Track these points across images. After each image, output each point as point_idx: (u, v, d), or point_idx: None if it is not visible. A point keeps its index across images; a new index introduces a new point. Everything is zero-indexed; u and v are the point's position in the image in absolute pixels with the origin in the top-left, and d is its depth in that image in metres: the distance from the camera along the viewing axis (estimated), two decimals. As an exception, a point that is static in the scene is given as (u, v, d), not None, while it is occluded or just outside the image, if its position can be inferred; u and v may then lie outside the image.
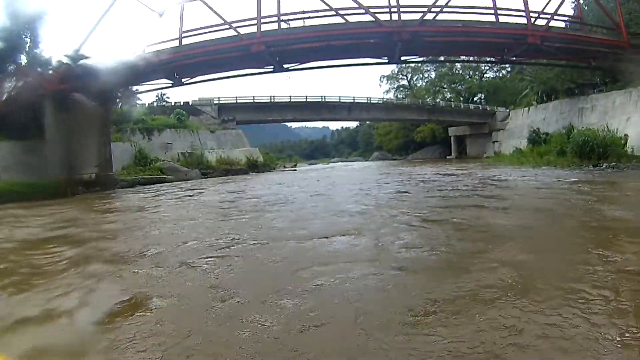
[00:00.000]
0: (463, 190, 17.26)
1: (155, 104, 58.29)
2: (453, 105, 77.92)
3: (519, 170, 27.70)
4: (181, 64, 28.70)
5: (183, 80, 32.08)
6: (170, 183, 33.99)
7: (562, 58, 34.30)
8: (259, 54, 27.67)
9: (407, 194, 17.36)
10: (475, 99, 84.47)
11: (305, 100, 66.70)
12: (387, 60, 32.05)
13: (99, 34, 33.85)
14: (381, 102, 76.32)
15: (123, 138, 40.05)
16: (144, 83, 32.53)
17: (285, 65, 31.02)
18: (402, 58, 32.53)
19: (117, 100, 35.41)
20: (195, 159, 44.60)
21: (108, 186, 29.61)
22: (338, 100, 69.25)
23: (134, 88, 34.86)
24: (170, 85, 32.43)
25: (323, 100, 68.22)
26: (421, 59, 34.66)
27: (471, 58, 36.07)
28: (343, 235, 8.91)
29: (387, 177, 28.93)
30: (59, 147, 27.60)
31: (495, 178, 22.62)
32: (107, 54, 28.98)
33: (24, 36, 36.31)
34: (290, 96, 65.91)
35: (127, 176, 33.89)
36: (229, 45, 27.51)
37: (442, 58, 37.38)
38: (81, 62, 28.07)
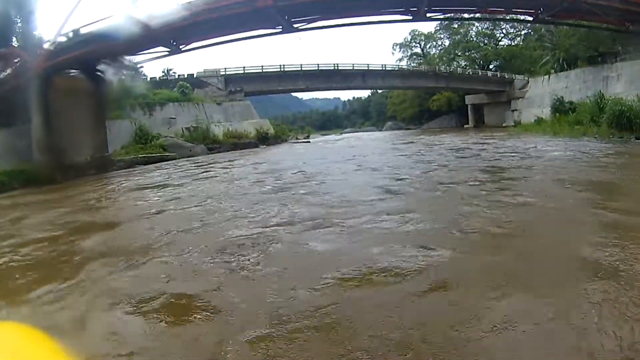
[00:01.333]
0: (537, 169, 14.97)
1: (158, 79, 54.74)
2: (471, 73, 75.25)
3: (558, 140, 26.40)
4: (179, 25, 25.61)
5: (181, 47, 28.91)
6: (172, 161, 31.81)
7: (598, 20, 31.04)
8: (265, 9, 25.06)
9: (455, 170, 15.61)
10: (490, 67, 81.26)
11: (317, 68, 63.55)
12: (410, 17, 28.58)
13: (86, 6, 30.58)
14: (397, 69, 74.01)
15: (123, 115, 37.52)
16: (139, 52, 29.38)
17: (295, 25, 28.32)
18: (427, 15, 28.85)
19: (112, 73, 32.20)
20: (200, 134, 42.23)
21: (104, 168, 27.16)
22: (352, 67, 66.01)
23: (129, 59, 31.75)
24: (168, 53, 29.30)
25: (336, 68, 64.72)
26: (446, 16, 29.96)
27: (503, 16, 31.58)
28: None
29: (415, 147, 28.37)
30: (46, 129, 25.06)
31: (546, 150, 20.89)
32: (95, 22, 26.50)
33: (14, 17, 33.32)
34: (301, 64, 62.81)
35: (125, 156, 31.32)
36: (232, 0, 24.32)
37: (469, 16, 32.57)
38: (67, 33, 26.06)
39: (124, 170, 26.88)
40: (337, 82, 66.00)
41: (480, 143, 27.10)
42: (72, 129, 26.32)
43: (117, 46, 25.29)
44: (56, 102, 25.44)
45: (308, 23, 28.43)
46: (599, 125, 28.25)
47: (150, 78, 52.55)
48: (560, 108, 39.69)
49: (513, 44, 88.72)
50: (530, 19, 32.22)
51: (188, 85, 49.69)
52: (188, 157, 34.72)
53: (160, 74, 57.15)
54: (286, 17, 26.72)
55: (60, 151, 24.93)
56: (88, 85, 28.28)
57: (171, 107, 43.96)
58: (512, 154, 20.05)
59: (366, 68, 67.34)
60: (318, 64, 63.88)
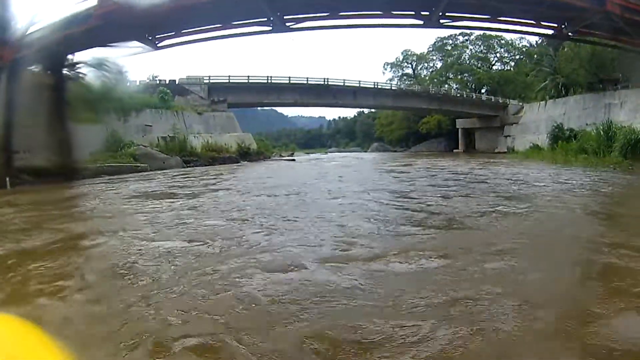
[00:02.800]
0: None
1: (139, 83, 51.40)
2: (465, 95, 72.98)
3: (574, 171, 22.90)
4: (156, 12, 21.76)
5: (158, 43, 25.49)
6: (143, 173, 28.81)
7: (624, 40, 27.61)
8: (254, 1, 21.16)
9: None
10: (482, 91, 79.98)
11: (306, 82, 60.72)
12: (421, 22, 25.29)
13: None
14: (389, 87, 71.80)
15: (95, 118, 33.67)
16: (109, 45, 25.89)
17: (288, 24, 24.96)
18: (441, 22, 25.53)
19: (74, 69, 28.80)
20: (177, 145, 39.10)
21: (66, 176, 23.46)
22: (343, 84, 63.54)
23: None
24: (142, 49, 26.04)
25: (326, 83, 62.20)
26: (461, 23, 26.52)
27: (521, 28, 28.34)
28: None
29: (415, 171, 26.11)
30: (5, 127, 22.12)
31: (582, 184, 17.10)
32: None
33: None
34: (289, 77, 59.86)
35: (92, 164, 27.83)
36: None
37: (484, 26, 29.15)
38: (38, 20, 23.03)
39: (88, 180, 23.59)
40: (327, 98, 63.00)
41: (491, 171, 24.42)
42: (28, 127, 23.30)
43: (82, 36, 21.74)
44: (19, 98, 22.65)
45: (302, 22, 25.09)
46: (607, 155, 26.75)
47: (133, 82, 48.64)
48: (560, 135, 38.28)
49: (506, 68, 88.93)
50: (550, 32, 28.74)
51: (168, 91, 46.71)
52: (161, 169, 31.81)
53: (146, 79, 53.59)
54: (278, 13, 23.37)
55: (11, 151, 22.19)
56: (55, 82, 25.51)
57: (148, 114, 40.93)
58: (542, 185, 16.87)
59: (358, 85, 64.93)
60: (307, 78, 60.72)
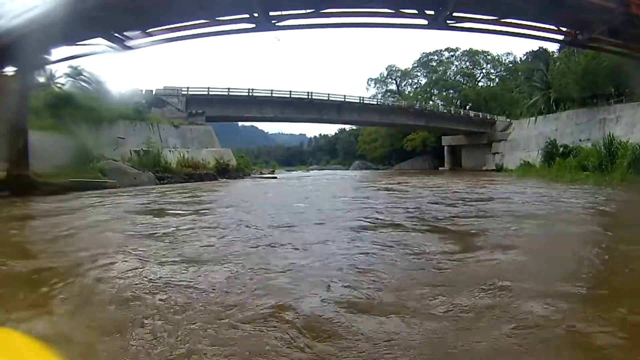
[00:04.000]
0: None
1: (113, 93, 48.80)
2: (452, 112, 72.45)
3: (586, 190, 20.86)
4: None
5: (127, 42, 22.63)
6: (112, 189, 26.26)
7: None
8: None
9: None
10: (467, 107, 79.48)
11: (289, 96, 58.75)
12: (425, 22, 22.57)
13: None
14: (375, 103, 71.24)
15: (60, 127, 31.42)
16: (70, 43, 23.19)
17: (273, 20, 22.00)
18: (448, 23, 22.85)
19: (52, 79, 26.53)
20: (150, 159, 36.20)
21: (21, 191, 20.90)
22: (327, 98, 61.92)
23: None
24: (108, 47, 23.02)
25: (310, 97, 60.17)
26: (466, 25, 23.72)
27: (531, 32, 25.66)
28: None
29: (413, 189, 24.26)
30: None
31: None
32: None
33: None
34: (271, 90, 57.92)
35: (55, 178, 24.52)
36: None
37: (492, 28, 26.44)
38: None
39: (48, 197, 20.36)
40: (310, 113, 61.03)
41: (499, 191, 22.13)
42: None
43: (37, 31, 19.09)
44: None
45: (287, 19, 22.35)
46: (610, 171, 25.16)
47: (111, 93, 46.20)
48: (553, 152, 37.18)
49: (491, 85, 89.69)
50: (561, 37, 26.70)
51: (143, 102, 44.84)
52: (132, 186, 29.24)
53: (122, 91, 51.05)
54: (264, 6, 20.42)
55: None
56: (7, 83, 23.22)
57: (121, 125, 38.59)
58: (576, 205, 14.77)
59: (342, 100, 63.27)
60: (290, 91, 58.96)
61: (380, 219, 11.55)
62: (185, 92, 51.61)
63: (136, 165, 33.93)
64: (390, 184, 30.97)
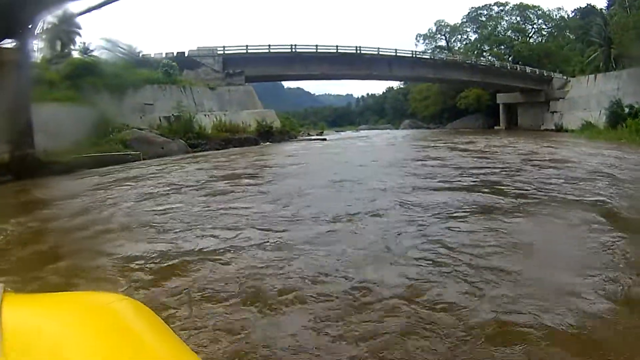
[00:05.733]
0: None
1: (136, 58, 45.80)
2: (508, 67, 67.57)
3: None
4: None
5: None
6: (136, 163, 23.95)
7: None
8: None
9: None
10: (519, 64, 74.20)
11: (336, 51, 54.00)
12: None
13: None
14: (429, 57, 65.68)
15: (80, 98, 28.71)
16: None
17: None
18: None
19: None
20: (182, 125, 33.41)
21: (27, 172, 19.19)
22: (377, 52, 56.60)
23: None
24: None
25: (358, 51, 55.32)
26: None
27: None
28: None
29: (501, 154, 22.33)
30: None
31: None
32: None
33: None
34: (316, 45, 53.38)
35: (69, 155, 22.28)
36: None
37: None
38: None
39: (57, 177, 18.98)
40: (359, 68, 56.22)
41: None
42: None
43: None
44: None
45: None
46: None
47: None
48: (620, 113, 36.64)
49: (542, 41, 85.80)
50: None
51: (174, 64, 40.79)
52: (159, 156, 26.60)
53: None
54: None
55: None
56: (6, 56, 20.82)
57: (148, 91, 35.65)
58: None
59: (394, 54, 58.31)
60: (337, 46, 54.31)
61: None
62: (222, 52, 47.82)
63: (166, 133, 31.28)
64: (459, 145, 28.36)
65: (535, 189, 11.66)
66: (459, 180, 13.46)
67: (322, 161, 21.43)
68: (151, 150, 27.18)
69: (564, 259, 6.70)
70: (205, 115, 37.06)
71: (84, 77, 30.95)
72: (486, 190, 11.61)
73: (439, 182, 13.18)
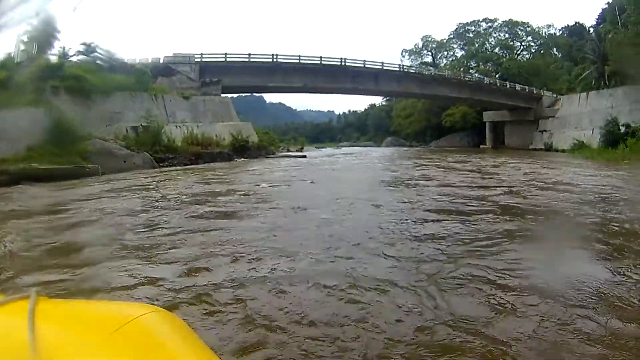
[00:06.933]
0: None
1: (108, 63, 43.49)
2: (497, 84, 66.83)
3: None
4: None
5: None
6: (84, 180, 20.52)
7: None
8: None
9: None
10: (508, 82, 74.05)
11: (319, 62, 52.34)
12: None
13: None
14: (416, 72, 64.46)
15: (41, 101, 27.00)
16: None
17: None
18: None
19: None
20: (150, 137, 30.78)
21: None
22: (363, 65, 55.25)
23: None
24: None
25: (343, 64, 53.58)
26: None
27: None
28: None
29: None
30: None
31: None
32: None
33: None
34: (299, 56, 51.71)
35: (17, 164, 20.49)
36: None
37: None
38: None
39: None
40: (343, 81, 54.44)
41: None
42: None
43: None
44: None
45: None
46: None
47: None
48: (616, 132, 36.25)
49: (530, 58, 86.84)
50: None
51: (147, 70, 39.14)
52: (120, 171, 24.05)
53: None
54: None
55: None
56: None
57: (118, 98, 33.44)
58: None
59: (380, 67, 56.88)
60: (321, 57, 52.71)
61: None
62: (199, 59, 45.97)
63: (131, 145, 28.81)
64: (451, 167, 26.11)
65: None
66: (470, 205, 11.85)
67: (304, 187, 18.34)
68: (112, 163, 24.65)
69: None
70: (176, 126, 34.92)
71: (47, 80, 28.96)
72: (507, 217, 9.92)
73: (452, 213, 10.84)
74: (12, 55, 34.20)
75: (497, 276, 5.84)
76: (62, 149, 23.99)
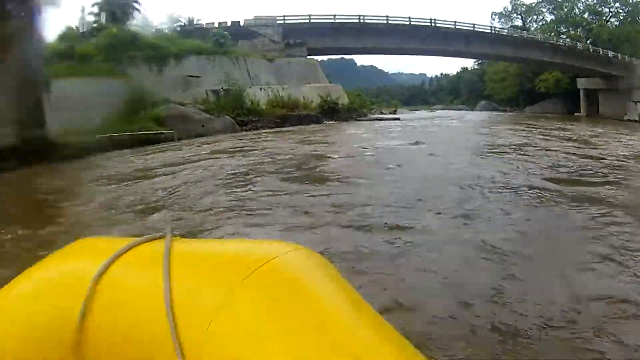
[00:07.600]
0: None
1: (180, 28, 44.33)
2: (592, 50, 62.93)
3: None
4: None
5: None
6: (168, 144, 21.42)
7: None
8: None
9: None
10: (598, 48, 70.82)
11: (408, 23, 50.33)
12: None
13: None
14: (509, 34, 62.09)
15: (116, 72, 27.66)
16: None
17: None
18: None
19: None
20: (231, 100, 30.59)
21: (34, 157, 16.64)
22: (453, 26, 53.38)
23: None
24: None
25: (433, 24, 51.73)
26: None
27: None
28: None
29: None
30: None
31: None
32: None
33: None
34: (387, 17, 49.67)
35: (94, 134, 19.93)
36: None
37: None
38: None
39: (67, 162, 16.79)
40: (433, 43, 52.58)
41: None
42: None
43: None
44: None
45: None
46: None
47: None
48: None
49: (619, 24, 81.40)
50: None
51: (226, 33, 38.63)
52: (198, 136, 23.93)
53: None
54: None
55: None
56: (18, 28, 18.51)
57: (194, 62, 33.70)
58: None
59: (472, 29, 54.87)
60: (409, 17, 50.78)
61: None
62: (282, 22, 45.39)
63: (212, 108, 28.51)
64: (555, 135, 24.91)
65: None
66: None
67: (417, 153, 16.31)
68: (190, 129, 24.46)
69: None
70: (260, 89, 34.29)
71: (120, 49, 29.78)
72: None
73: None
74: (76, 27, 34.76)
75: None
76: (136, 117, 24.20)
